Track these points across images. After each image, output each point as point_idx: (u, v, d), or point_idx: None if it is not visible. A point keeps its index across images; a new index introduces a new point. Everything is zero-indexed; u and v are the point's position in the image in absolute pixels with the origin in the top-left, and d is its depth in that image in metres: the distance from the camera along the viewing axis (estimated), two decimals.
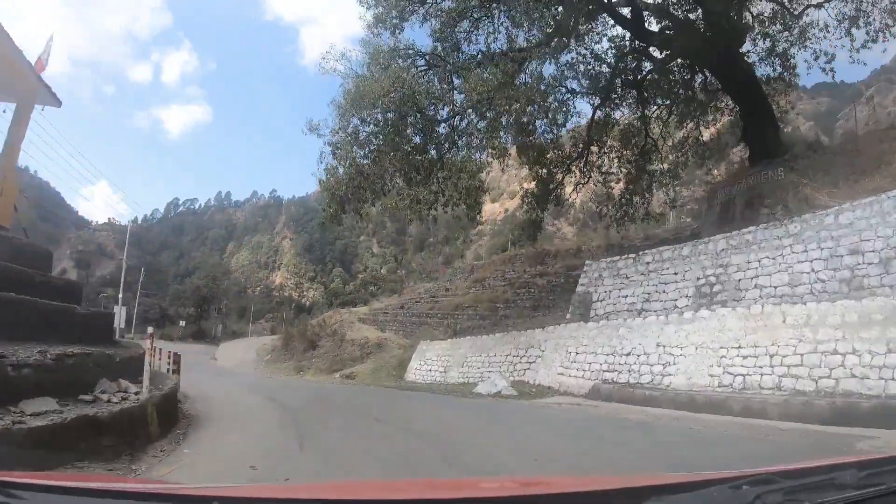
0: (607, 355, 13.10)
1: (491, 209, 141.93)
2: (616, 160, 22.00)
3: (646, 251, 15.66)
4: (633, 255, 15.86)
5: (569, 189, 22.74)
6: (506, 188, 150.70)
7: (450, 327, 24.73)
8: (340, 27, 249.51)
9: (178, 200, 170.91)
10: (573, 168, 22.04)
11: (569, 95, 20.03)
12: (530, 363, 16.05)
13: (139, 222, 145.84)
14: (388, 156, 17.52)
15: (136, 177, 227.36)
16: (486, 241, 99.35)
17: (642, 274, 15.05)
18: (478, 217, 20.80)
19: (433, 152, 18.96)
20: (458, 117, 18.69)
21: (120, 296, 40.22)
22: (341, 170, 17.89)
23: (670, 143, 22.17)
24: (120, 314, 29.24)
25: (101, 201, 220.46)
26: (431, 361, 21.18)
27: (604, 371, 13.03)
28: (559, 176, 21.87)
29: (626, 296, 15.18)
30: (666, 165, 22.10)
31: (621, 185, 22.32)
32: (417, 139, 18.66)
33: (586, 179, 22.20)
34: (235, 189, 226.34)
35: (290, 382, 22.30)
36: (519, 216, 31.37)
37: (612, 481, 1.76)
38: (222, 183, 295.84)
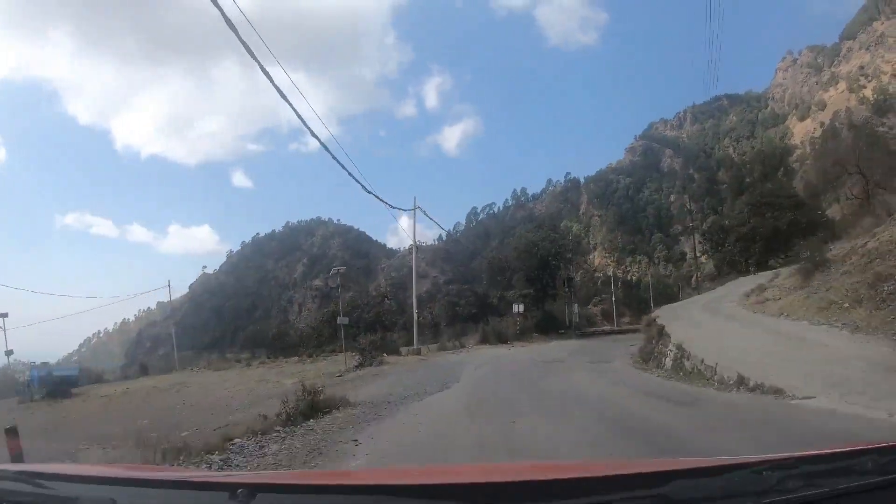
0: None
1: (802, 128, 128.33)
2: None
3: None
4: None
5: None
6: (810, 100, 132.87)
7: None
8: None
9: (476, 209, 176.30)
10: None
11: None
12: None
13: (443, 239, 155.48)
14: None
15: (430, 200, 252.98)
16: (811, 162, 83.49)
17: None
18: None
19: None
20: None
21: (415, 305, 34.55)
22: None
23: None
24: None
25: (405, 231, 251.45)
26: None
27: None
28: None
29: None
30: None
31: None
32: None
33: None
34: (529, 183, 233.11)
35: None
36: None
37: (632, 466, 1.80)
38: (514, 181, 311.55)
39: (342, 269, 25.47)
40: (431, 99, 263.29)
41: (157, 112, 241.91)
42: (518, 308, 37.43)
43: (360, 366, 21.62)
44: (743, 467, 1.36)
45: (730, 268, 53.19)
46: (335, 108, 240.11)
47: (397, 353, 27.06)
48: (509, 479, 1.51)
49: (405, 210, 27.90)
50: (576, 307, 43.86)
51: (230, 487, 1.26)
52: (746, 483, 1.28)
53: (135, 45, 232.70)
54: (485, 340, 34.59)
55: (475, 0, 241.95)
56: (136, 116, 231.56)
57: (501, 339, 34.76)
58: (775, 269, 42.87)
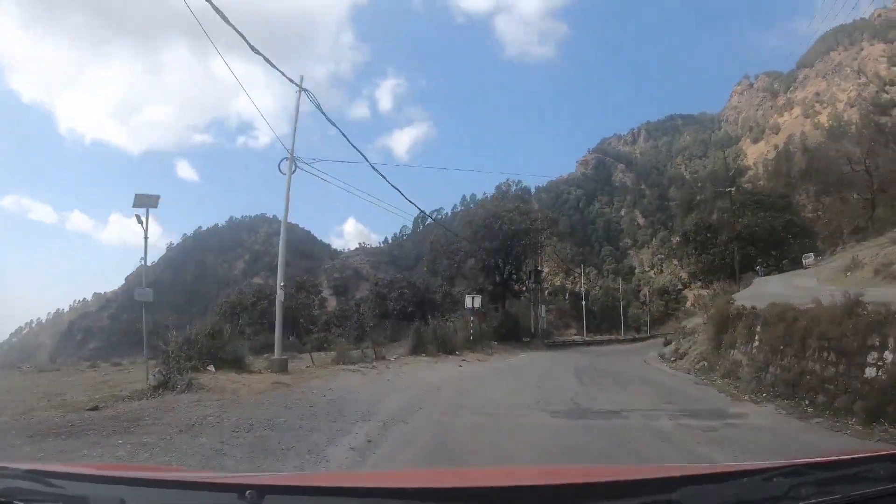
0: None
1: (755, 150, 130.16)
2: None
3: None
4: None
5: None
6: (765, 124, 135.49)
7: None
8: (533, 4, 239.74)
9: (423, 213, 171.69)
10: None
11: None
12: None
13: (389, 241, 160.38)
14: None
15: (378, 203, 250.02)
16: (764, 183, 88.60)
17: None
18: None
19: None
20: None
21: None
22: None
23: None
24: None
25: (350, 234, 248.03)
26: None
27: None
28: None
29: None
30: None
31: None
32: None
33: None
34: (479, 189, 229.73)
35: None
36: None
37: (641, 472, 1.79)
38: (464, 187, 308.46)
39: (155, 198, 13.10)
40: (385, 101, 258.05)
41: (105, 95, 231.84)
42: (472, 303, 25.66)
43: (162, 386, 10.12)
44: (753, 474, 1.32)
45: (711, 273, 45.67)
46: (286, 104, 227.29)
47: (241, 366, 13.16)
48: (519, 483, 1.49)
49: (289, 80, 14.07)
50: (543, 310, 32.72)
51: (239, 489, 1.24)
52: (756, 490, 1.25)
53: (85, 22, 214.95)
54: (419, 349, 21.63)
55: (435, 5, 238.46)
56: (83, 98, 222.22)
57: (446, 347, 22.60)
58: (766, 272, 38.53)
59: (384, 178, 18.51)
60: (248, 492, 1.21)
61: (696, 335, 19.52)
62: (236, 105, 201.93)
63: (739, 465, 1.54)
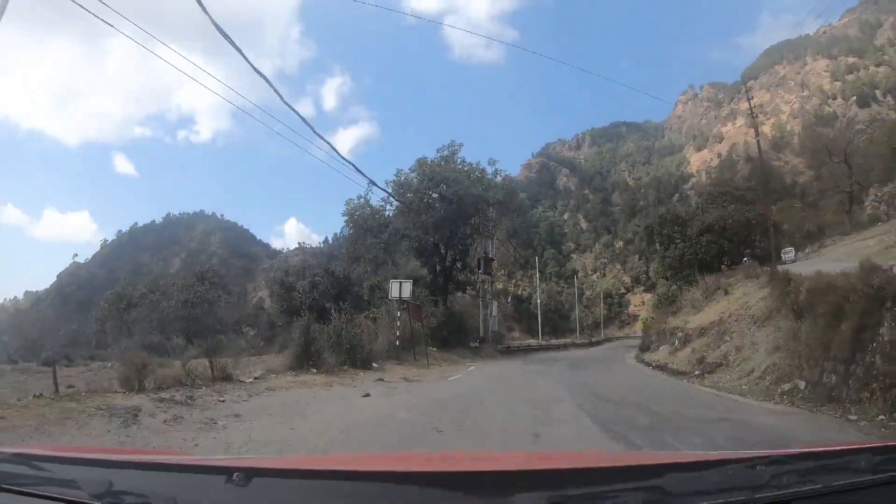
0: None
1: (700, 157, 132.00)
2: None
3: None
4: None
5: None
6: (708, 133, 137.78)
7: None
8: (482, 7, 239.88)
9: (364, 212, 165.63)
10: None
11: None
12: None
13: (329, 242, 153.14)
14: None
15: (321, 200, 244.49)
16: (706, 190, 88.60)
17: None
18: None
19: None
20: None
21: None
22: None
23: None
24: None
25: (291, 235, 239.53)
26: None
27: None
28: None
29: None
30: None
31: None
32: None
33: None
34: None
35: None
36: None
37: (628, 458, 1.84)
38: None
39: None
40: (330, 99, 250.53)
41: (43, 81, 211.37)
42: (399, 292, 18.03)
43: None
44: (737, 462, 1.35)
45: (679, 269, 41.31)
46: (231, 96, 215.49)
47: None
48: (510, 468, 1.51)
49: None
50: (495, 307, 25.83)
51: (227, 471, 1.24)
52: (740, 477, 1.27)
53: (24, 3, 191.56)
54: (306, 361, 13.21)
55: (385, 4, 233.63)
56: (19, 83, 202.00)
57: (357, 358, 14.60)
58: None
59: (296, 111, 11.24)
60: (235, 474, 1.19)
61: (730, 335, 13.30)
62: (177, 98, 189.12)
63: (724, 453, 1.54)
